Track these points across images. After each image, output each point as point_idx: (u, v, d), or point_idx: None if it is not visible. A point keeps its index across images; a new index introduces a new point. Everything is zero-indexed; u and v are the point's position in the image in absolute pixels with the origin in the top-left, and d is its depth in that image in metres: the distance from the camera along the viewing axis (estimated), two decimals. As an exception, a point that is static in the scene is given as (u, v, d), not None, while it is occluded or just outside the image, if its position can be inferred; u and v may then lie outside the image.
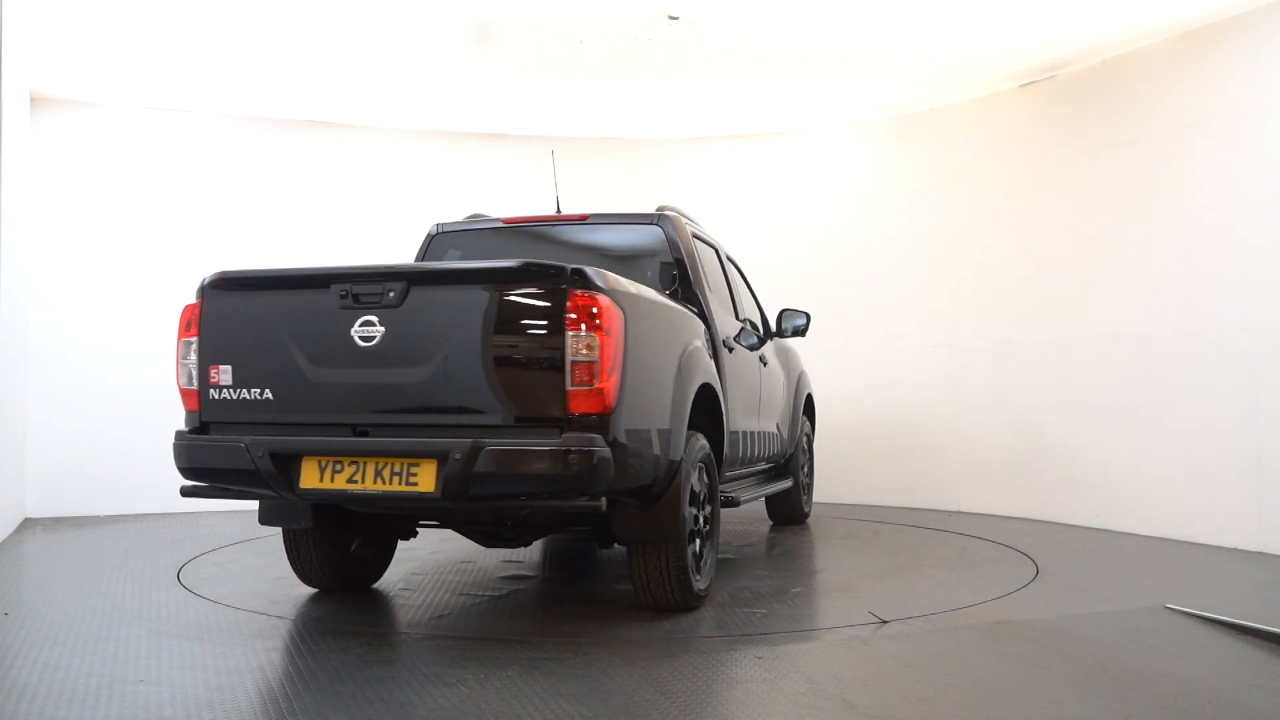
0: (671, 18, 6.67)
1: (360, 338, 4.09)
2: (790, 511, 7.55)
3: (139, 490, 7.94)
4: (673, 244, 5.40)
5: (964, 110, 8.51)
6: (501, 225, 5.78)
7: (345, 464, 4.07)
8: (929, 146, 8.79)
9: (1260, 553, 6.27)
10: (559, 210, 6.05)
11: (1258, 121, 6.47)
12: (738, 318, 6.09)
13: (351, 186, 9.05)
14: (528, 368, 3.95)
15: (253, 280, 4.41)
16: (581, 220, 5.67)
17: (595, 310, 3.89)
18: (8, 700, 3.43)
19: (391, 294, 4.06)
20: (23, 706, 3.37)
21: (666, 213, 5.53)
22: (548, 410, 3.89)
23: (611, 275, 4.13)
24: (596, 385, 3.86)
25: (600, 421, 3.87)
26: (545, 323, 3.92)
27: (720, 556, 5.60)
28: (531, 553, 6.41)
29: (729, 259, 6.49)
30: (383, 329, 4.05)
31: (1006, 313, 8.15)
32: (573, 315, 3.87)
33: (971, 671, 3.86)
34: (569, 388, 3.86)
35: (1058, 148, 7.83)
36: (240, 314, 4.36)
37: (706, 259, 5.78)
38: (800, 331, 6.74)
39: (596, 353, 3.86)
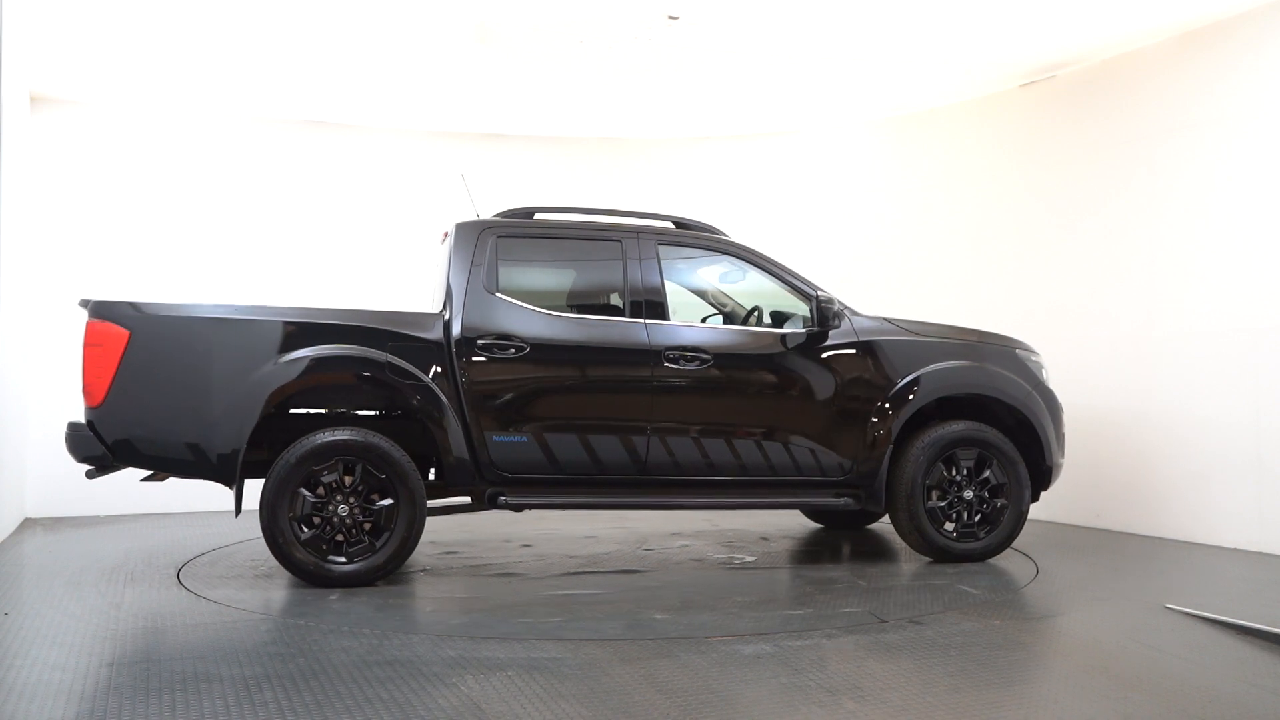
0: (671, 18, 6.68)
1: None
2: (907, 537, 6.05)
3: (139, 490, 7.94)
4: (448, 254, 5.76)
5: (964, 110, 8.51)
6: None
7: None
8: (929, 146, 8.79)
9: (1260, 553, 6.27)
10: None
11: (1258, 121, 6.47)
12: (629, 313, 5.79)
13: (351, 186, 9.05)
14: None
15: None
16: (445, 238, 6.06)
17: (87, 333, 5.21)
18: (8, 700, 3.43)
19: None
20: (23, 706, 3.37)
21: (459, 222, 5.82)
22: (84, 403, 5.27)
23: (142, 305, 5.33)
24: (86, 387, 5.20)
25: (91, 413, 5.21)
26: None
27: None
28: (531, 553, 6.41)
29: (719, 247, 6.18)
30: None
31: (1006, 313, 8.12)
32: (83, 336, 5.24)
33: (971, 671, 3.86)
34: (83, 386, 5.25)
35: (1058, 148, 7.83)
36: None
37: (530, 259, 5.93)
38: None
39: (82, 363, 5.21)
